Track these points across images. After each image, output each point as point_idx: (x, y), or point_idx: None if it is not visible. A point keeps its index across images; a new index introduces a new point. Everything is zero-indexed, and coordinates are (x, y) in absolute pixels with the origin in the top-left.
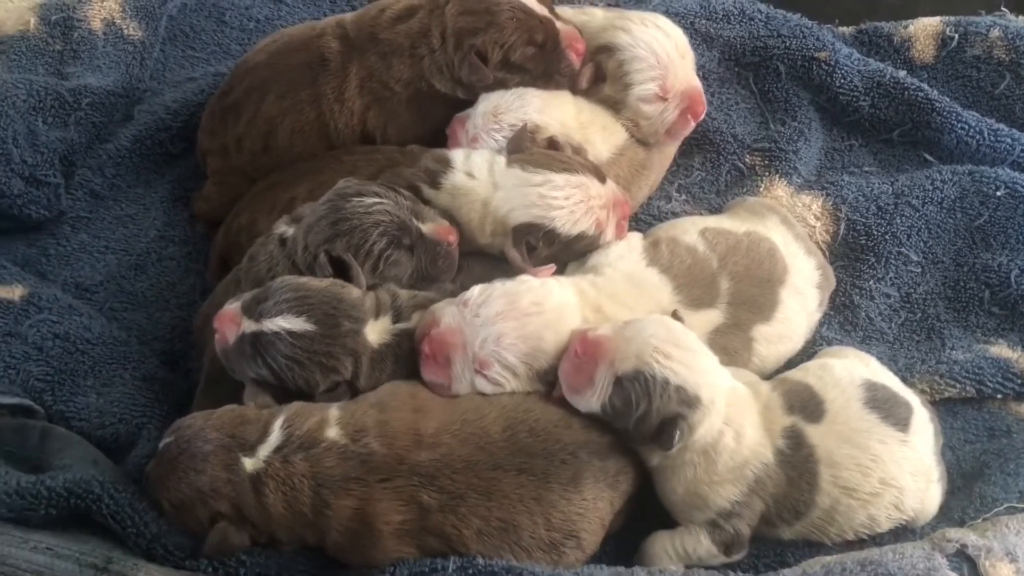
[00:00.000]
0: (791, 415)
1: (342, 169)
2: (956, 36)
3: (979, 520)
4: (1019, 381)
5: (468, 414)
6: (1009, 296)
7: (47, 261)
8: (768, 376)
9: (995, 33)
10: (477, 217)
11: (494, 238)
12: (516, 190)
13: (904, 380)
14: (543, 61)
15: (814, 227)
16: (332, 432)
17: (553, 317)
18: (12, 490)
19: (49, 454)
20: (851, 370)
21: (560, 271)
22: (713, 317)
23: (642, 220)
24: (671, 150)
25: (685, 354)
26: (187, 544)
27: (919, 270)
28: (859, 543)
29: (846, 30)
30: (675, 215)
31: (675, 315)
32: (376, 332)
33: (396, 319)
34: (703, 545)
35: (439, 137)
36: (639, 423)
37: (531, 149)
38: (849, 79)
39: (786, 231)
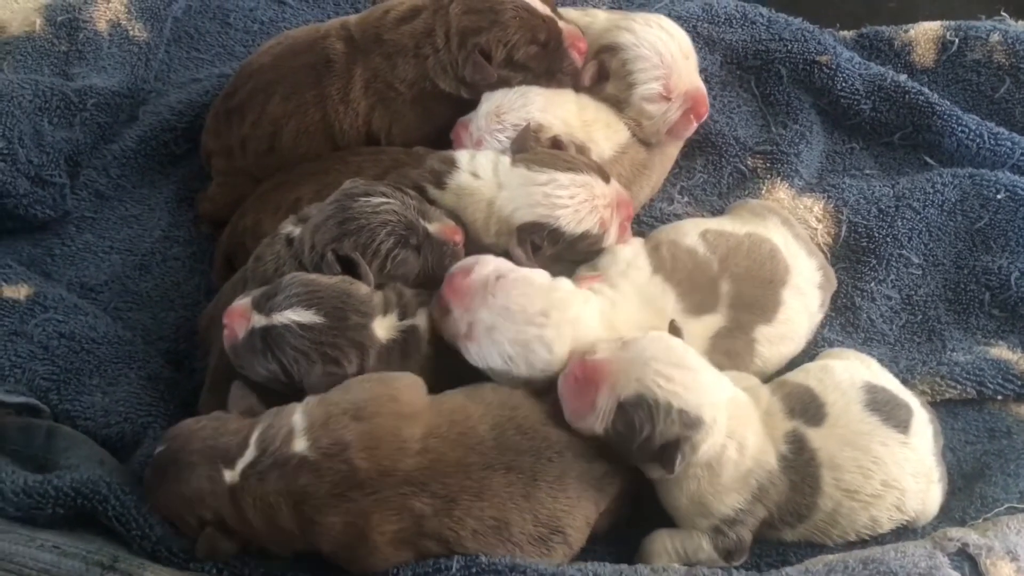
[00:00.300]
0: (792, 419)
1: (347, 170)
2: (956, 40)
3: (980, 520)
4: (1019, 382)
5: (454, 415)
6: (1009, 298)
7: (52, 261)
8: (769, 377)
9: (995, 37)
10: (482, 217)
11: (499, 237)
12: (521, 189)
13: (905, 381)
14: (546, 60)
15: (816, 229)
16: (299, 444)
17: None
18: (19, 489)
19: (55, 453)
20: (852, 372)
21: (568, 273)
22: (715, 321)
23: (644, 222)
24: (673, 151)
25: (686, 375)
26: (190, 548)
27: (920, 272)
28: (861, 544)
29: (847, 34)
30: (677, 217)
31: (673, 327)
32: (384, 328)
33: (402, 316)
34: (704, 551)
35: (443, 138)
36: (642, 446)
37: (535, 148)
38: (850, 83)
39: (787, 232)
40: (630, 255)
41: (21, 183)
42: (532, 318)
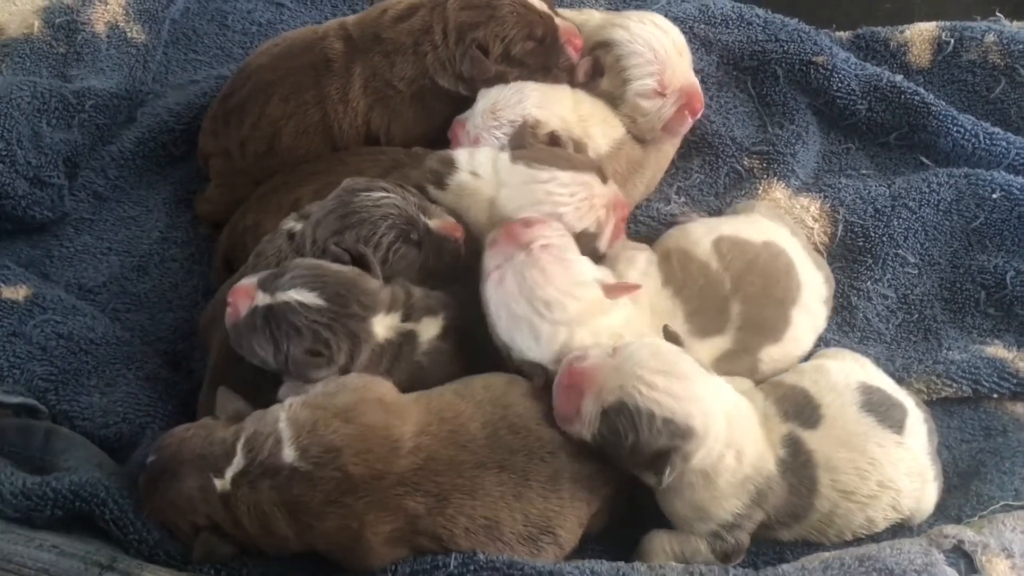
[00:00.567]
0: (787, 422)
1: (347, 170)
2: (952, 41)
3: (976, 517)
4: (1014, 381)
5: (444, 412)
6: (1004, 297)
7: (50, 262)
8: (762, 379)
9: (990, 38)
10: (484, 215)
11: None
12: (522, 187)
13: (901, 380)
14: (542, 55)
15: (812, 229)
16: (288, 454)
17: None
18: (18, 491)
19: (53, 455)
20: (847, 373)
21: None
22: (721, 344)
23: (641, 222)
24: (669, 149)
25: (674, 383)
26: (188, 552)
27: (916, 271)
28: (857, 542)
29: (843, 35)
30: (673, 217)
31: (668, 332)
32: (383, 326)
33: (405, 318)
34: (702, 554)
35: (442, 137)
36: (632, 454)
37: (534, 145)
38: (846, 83)
39: (797, 242)
40: (644, 264)
41: (19, 184)
42: (534, 301)
